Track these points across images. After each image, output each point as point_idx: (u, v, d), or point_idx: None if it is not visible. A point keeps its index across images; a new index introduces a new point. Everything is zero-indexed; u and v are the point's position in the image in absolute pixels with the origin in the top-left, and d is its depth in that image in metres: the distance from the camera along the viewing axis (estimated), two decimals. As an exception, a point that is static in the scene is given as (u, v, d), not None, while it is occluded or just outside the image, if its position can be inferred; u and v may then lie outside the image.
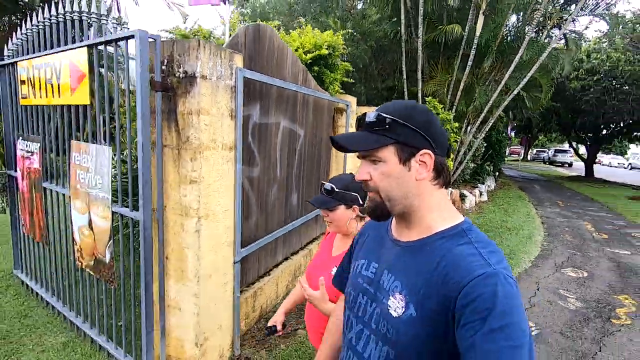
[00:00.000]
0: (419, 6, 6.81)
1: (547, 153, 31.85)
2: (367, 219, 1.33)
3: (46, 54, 2.58)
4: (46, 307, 3.14)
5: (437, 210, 0.77)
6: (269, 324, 1.52)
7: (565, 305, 3.58)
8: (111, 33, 2.17)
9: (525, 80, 7.19)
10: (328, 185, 1.38)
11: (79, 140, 2.45)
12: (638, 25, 11.83)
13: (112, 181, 2.17)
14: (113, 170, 2.22)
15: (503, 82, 7.08)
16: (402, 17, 7.29)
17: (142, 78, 1.90)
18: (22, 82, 2.94)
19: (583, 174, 18.19)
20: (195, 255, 2.13)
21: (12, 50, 3.14)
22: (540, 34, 7.92)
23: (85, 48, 2.22)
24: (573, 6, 8.35)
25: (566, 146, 30.77)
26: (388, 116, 0.73)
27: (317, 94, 3.72)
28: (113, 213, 2.20)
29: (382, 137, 0.74)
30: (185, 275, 2.17)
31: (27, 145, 3.03)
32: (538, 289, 3.89)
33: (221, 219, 2.28)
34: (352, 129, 4.97)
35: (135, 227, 2.18)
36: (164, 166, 2.12)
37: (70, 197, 2.60)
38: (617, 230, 6.89)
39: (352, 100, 4.74)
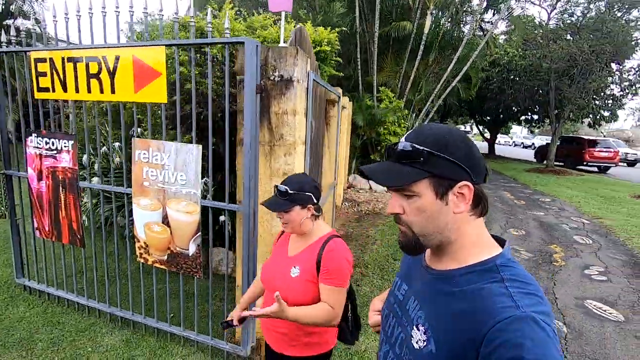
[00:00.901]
0: (376, 3, 7.39)
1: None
2: (322, 218, 1.49)
3: (95, 48, 2.46)
4: (78, 311, 3.02)
5: (472, 242, 0.72)
6: (227, 318, 1.56)
7: (520, 256, 4.64)
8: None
9: (462, 73, 8.38)
10: (282, 187, 1.37)
11: (145, 137, 2.45)
12: (529, 27, 14.25)
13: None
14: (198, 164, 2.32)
15: (445, 75, 8.15)
16: (357, 12, 7.81)
17: (250, 82, 2.08)
18: (42, 74, 2.71)
19: (487, 152, 21.44)
20: (287, 239, 2.39)
21: (18, 39, 2.82)
22: (469, 33, 9.18)
23: (163, 47, 2.25)
24: (490, 11, 9.78)
25: (462, 127, 35.45)
26: (423, 148, 0.68)
27: (327, 87, 4.05)
28: (205, 207, 2.33)
29: (416, 170, 0.69)
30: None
31: (47, 143, 2.81)
32: (498, 247, 4.92)
33: (298, 207, 2.56)
34: (341, 120, 5.39)
35: (231, 218, 2.34)
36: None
37: (126, 195, 2.59)
38: (529, 197, 8.63)
39: (340, 91, 5.14)
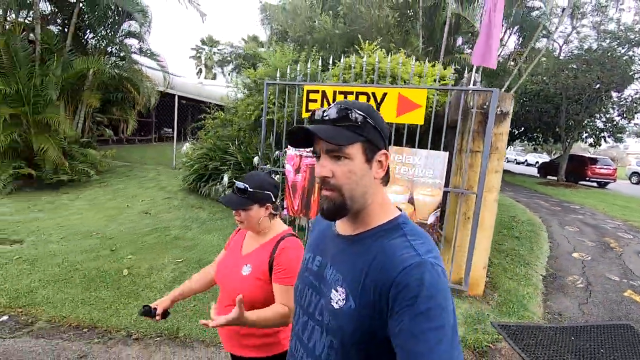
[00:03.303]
0: (443, 38, 8.93)
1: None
2: (279, 218, 1.45)
3: (365, 86, 3.76)
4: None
5: (381, 207, 0.81)
6: (152, 305, 1.45)
7: (589, 245, 6.04)
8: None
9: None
10: (241, 185, 1.35)
11: (400, 146, 3.73)
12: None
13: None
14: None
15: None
16: (421, 42, 9.33)
17: (491, 116, 3.40)
18: (312, 100, 3.98)
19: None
20: (493, 214, 3.70)
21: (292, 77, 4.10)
22: (515, 66, 10.81)
23: (426, 90, 3.56)
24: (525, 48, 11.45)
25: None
26: (361, 113, 0.76)
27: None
28: (445, 192, 3.62)
29: (354, 134, 0.75)
30: (484, 227, 3.71)
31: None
32: (569, 239, 6.32)
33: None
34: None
35: (468, 201, 3.63)
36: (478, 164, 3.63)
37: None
38: (560, 204, 10.15)
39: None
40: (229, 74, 15.63)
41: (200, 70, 37.96)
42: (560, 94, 15.45)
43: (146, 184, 7.67)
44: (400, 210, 0.84)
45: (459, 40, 11.80)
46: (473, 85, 4.10)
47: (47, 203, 6.29)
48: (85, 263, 3.91)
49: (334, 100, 3.90)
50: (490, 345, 3.04)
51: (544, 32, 11.37)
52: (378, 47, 5.86)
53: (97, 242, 4.54)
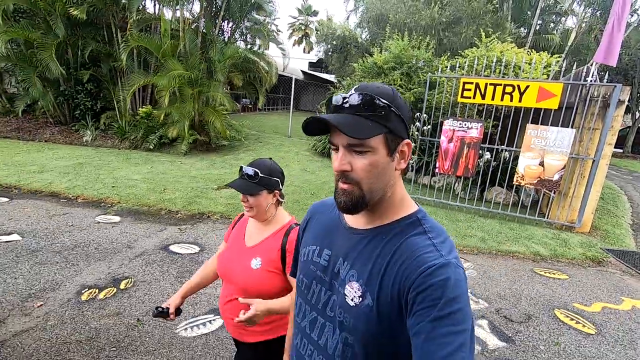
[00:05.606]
0: (533, 24, 9.79)
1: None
2: (281, 208, 1.44)
3: (512, 80, 5.18)
4: (448, 209, 5.89)
5: (399, 199, 0.78)
6: (163, 305, 1.44)
7: (663, 205, 7.27)
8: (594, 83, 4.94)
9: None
10: (250, 170, 1.33)
11: (534, 124, 5.18)
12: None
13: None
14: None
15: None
16: (509, 25, 10.21)
17: (613, 105, 4.74)
18: (467, 89, 5.46)
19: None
20: (603, 174, 5.13)
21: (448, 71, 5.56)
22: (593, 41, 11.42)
23: (562, 84, 4.93)
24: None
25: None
26: (384, 101, 0.69)
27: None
28: (570, 158, 5.08)
29: (377, 124, 0.69)
30: (596, 183, 5.15)
31: (461, 124, 5.59)
32: (644, 200, 7.54)
33: (601, 160, 5.27)
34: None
35: (585, 164, 5.08)
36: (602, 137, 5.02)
37: (512, 152, 5.36)
38: (631, 174, 11.07)
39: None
40: (323, 53, 16.76)
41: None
42: (634, 66, 15.54)
43: (279, 148, 9.55)
44: (419, 206, 0.81)
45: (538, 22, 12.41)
46: (592, 77, 5.39)
47: (221, 162, 8.33)
48: (305, 201, 5.81)
49: (485, 88, 5.35)
50: (603, 259, 4.61)
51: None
52: (496, 39, 7.09)
53: (297, 188, 6.43)
